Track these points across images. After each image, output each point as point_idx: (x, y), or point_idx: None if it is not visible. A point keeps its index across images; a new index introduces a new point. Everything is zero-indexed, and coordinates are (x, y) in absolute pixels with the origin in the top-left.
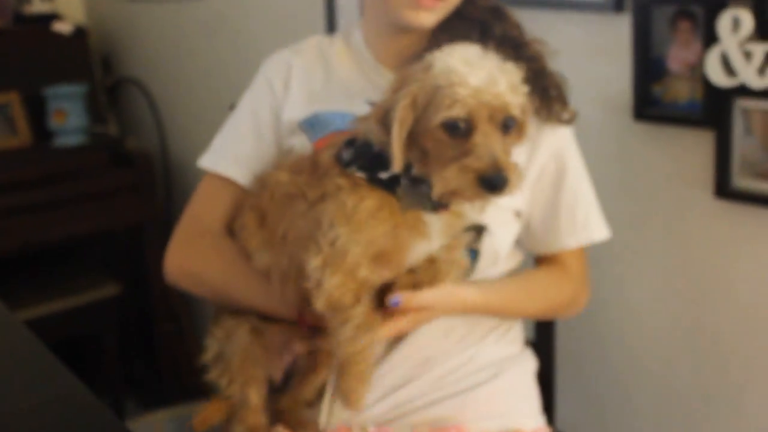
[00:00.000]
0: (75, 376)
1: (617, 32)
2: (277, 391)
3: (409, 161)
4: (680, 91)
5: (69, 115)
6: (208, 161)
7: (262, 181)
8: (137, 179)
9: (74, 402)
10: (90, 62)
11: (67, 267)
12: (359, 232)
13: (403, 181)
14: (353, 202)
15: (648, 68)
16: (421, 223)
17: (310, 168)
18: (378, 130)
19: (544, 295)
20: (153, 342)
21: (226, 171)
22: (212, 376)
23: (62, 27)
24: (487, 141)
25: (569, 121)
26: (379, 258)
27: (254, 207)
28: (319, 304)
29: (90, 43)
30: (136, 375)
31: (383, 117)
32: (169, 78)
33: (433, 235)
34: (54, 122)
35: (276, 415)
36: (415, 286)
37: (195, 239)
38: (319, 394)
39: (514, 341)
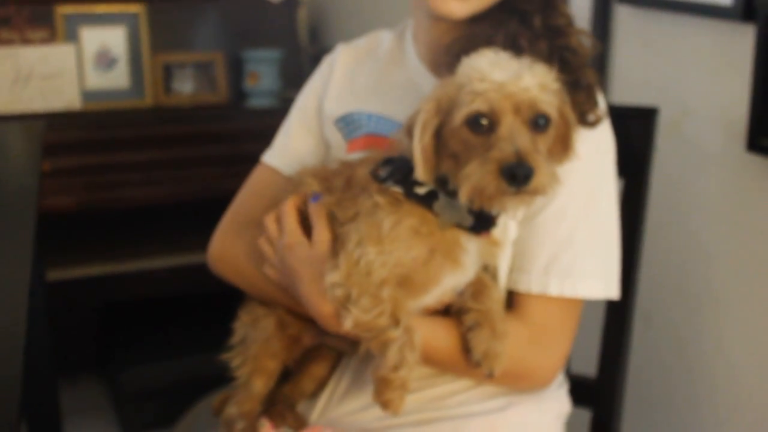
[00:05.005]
0: None
1: (742, 45)
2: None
3: (444, 174)
4: None
5: (261, 78)
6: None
7: (295, 185)
8: None
9: None
10: (296, 30)
11: None
12: (388, 253)
13: (441, 196)
14: (391, 222)
15: None
16: (458, 249)
17: (344, 185)
18: (407, 141)
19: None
20: None
21: (271, 161)
22: (228, 355)
23: None
24: (511, 133)
25: (593, 124)
26: (404, 283)
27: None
28: (347, 324)
29: (300, 12)
30: None
31: (411, 127)
32: None
33: (467, 264)
34: (247, 84)
35: (268, 407)
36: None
37: (238, 229)
38: (319, 388)
39: None
